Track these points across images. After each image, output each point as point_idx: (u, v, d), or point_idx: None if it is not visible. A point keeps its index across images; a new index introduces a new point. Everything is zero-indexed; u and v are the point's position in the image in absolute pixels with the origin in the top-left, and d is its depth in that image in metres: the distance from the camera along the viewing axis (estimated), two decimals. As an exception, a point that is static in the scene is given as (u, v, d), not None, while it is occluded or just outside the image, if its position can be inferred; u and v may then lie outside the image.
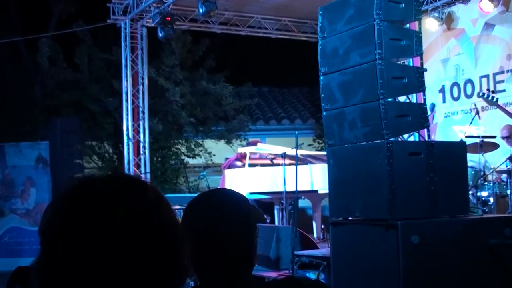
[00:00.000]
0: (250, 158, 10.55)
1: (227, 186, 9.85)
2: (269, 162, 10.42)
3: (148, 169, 12.22)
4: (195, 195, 2.00)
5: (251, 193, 9.67)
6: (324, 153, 8.52)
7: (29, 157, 11.27)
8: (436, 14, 11.04)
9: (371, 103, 5.86)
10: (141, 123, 12.31)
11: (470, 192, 7.66)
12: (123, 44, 12.15)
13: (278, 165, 9.93)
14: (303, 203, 10.80)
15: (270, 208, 10.65)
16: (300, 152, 9.54)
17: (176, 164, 15.55)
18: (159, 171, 15.37)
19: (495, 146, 8.43)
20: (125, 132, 12.11)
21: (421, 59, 6.22)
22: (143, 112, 12.32)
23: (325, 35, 6.37)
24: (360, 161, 5.92)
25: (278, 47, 16.78)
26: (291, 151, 9.05)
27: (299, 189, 8.22)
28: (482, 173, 8.27)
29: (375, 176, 5.71)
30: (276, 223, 10.27)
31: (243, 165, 10.52)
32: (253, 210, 2.06)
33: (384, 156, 5.61)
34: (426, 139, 6.25)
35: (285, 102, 20.65)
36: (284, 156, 9.10)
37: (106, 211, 1.07)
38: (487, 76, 10.44)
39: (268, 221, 10.66)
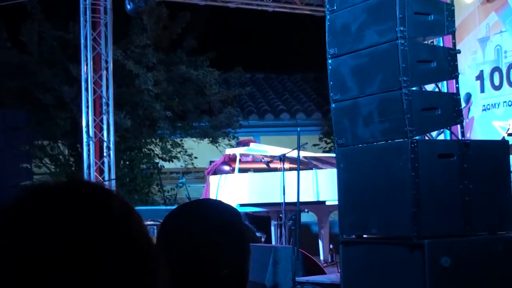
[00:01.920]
0: (240, 161, 10.60)
1: (212, 196, 9.89)
2: (264, 166, 10.42)
3: (113, 175, 12.28)
4: (173, 207, 2.04)
5: (241, 205, 9.71)
6: (333, 155, 8.66)
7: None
8: (473, -18, 11.09)
9: (392, 93, 5.92)
10: (104, 117, 12.34)
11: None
12: (82, 19, 12.18)
13: (275, 170, 9.95)
14: (307, 217, 10.86)
15: (266, 224, 10.69)
16: (303, 153, 9.58)
17: (149, 169, 15.62)
18: (127, 177, 15.42)
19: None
20: (84, 129, 12.14)
21: (454, 38, 6.25)
22: (107, 104, 12.35)
23: (335, 8, 6.41)
24: (378, 165, 5.97)
25: (276, 23, 16.81)
26: (291, 153, 9.08)
27: (301, 200, 8.21)
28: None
29: (396, 184, 5.77)
30: (273, 242, 10.29)
31: (232, 170, 10.57)
32: (244, 226, 2.07)
33: (407, 158, 5.65)
34: (460, 137, 6.29)
35: (284, 91, 20.78)
36: (283, 158, 9.14)
37: (60, 228, 1.06)
38: (536, 59, 10.51)
39: (263, 240, 10.72)
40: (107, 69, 12.42)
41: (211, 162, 12.87)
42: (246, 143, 11.15)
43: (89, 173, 12.01)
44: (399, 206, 5.72)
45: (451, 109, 6.01)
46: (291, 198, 8.64)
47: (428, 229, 5.62)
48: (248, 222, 10.76)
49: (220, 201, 2.05)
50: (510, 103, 10.65)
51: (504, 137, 8.39)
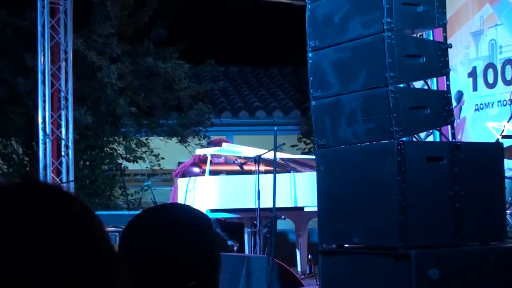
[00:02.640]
0: (212, 162, 10.55)
1: (180, 200, 9.82)
2: (237, 168, 10.38)
3: (72, 177, 12.20)
4: (137, 212, 2.03)
5: (212, 211, 9.68)
6: (313, 157, 8.66)
7: None
8: (466, -29, 11.14)
9: (377, 90, 5.93)
10: (63, 113, 12.29)
11: (508, 211, 7.65)
12: (39, 5, 12.09)
13: (249, 172, 9.93)
14: (284, 224, 10.82)
15: (239, 231, 10.70)
16: (280, 155, 9.60)
17: (111, 171, 15.44)
18: (87, 179, 15.35)
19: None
20: (40, 126, 12.08)
21: (445, 31, 6.25)
22: (66, 99, 12.30)
23: (316, -4, 6.39)
24: (361, 168, 5.98)
25: (252, 13, 16.81)
26: (267, 154, 9.06)
27: (278, 205, 8.21)
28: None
29: (381, 189, 5.78)
30: (247, 251, 10.28)
31: (203, 172, 10.49)
32: (215, 234, 2.10)
33: (393, 161, 5.66)
34: (450, 139, 6.31)
35: (260, 87, 20.79)
36: (258, 160, 9.10)
37: (13, 234, 1.06)
38: (533, 55, 10.57)
39: (235, 248, 10.69)
40: (66, 60, 12.33)
41: (179, 163, 12.80)
42: (218, 143, 11.09)
43: (45, 174, 11.90)
44: (384, 213, 5.72)
45: (441, 109, 6.01)
46: (266, 203, 8.62)
47: (415, 238, 5.62)
48: (219, 229, 10.75)
49: (188, 206, 2.08)
50: (504, 102, 10.70)
51: (498, 139, 8.50)
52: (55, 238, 1.08)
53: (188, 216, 1.95)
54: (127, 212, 12.52)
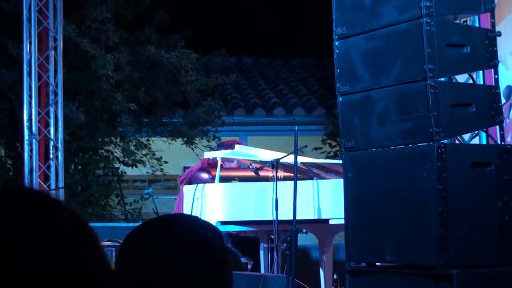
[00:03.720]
0: (222, 167, 10.38)
1: (186, 210, 9.75)
2: (252, 174, 10.17)
3: (61, 183, 12.17)
4: (136, 224, 2.04)
5: (222, 223, 9.55)
6: (339, 161, 8.69)
7: None
8: None
9: (414, 84, 5.94)
10: (51, 109, 12.30)
11: None
12: (25, -15, 12.10)
13: (266, 179, 9.76)
14: (305, 239, 10.76)
15: (253, 247, 10.62)
16: (302, 159, 9.51)
17: (107, 176, 15.32)
18: (79, 186, 15.34)
19: None
20: (26, 124, 12.08)
21: (493, 16, 6.25)
22: (55, 93, 12.30)
23: (344, -25, 6.41)
24: (395, 175, 6.00)
25: (270, -5, 16.81)
26: (287, 158, 9.01)
27: (299, 217, 8.19)
28: None
29: (418, 199, 5.78)
30: (262, 270, 10.14)
31: (212, 179, 10.33)
32: (226, 249, 2.09)
33: (432, 168, 5.67)
34: (499, 142, 6.26)
35: (278, 80, 20.60)
36: (276, 165, 9.04)
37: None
38: None
39: (249, 266, 10.62)
40: (55, 48, 12.31)
41: (185, 168, 12.72)
42: (229, 145, 10.93)
43: (31, 179, 11.87)
44: (421, 227, 5.74)
45: (488, 106, 6.01)
46: (285, 215, 8.57)
47: (458, 256, 5.64)
48: (230, 244, 10.68)
49: (196, 217, 2.07)
50: (562, 99, 10.66)
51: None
52: (43, 253, 1.08)
53: (195, 229, 1.95)
54: (125, 224, 12.47)
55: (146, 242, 1.91)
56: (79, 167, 15.68)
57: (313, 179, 9.77)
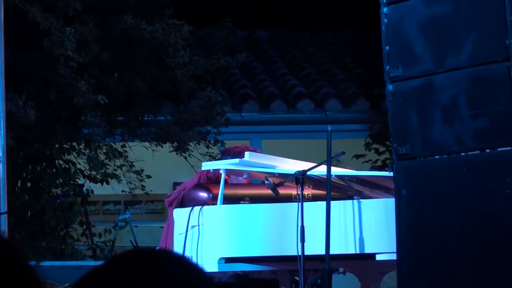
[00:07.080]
0: (228, 183, 9.82)
1: (178, 243, 9.22)
2: (268, 192, 9.48)
3: (3, 207, 11.13)
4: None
5: (228, 261, 9.06)
6: (390, 174, 8.21)
7: None
8: None
9: (492, 66, 5.93)
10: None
11: None
12: None
13: (288, 199, 9.24)
14: (342, 282, 10.17)
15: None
16: (337, 170, 8.91)
17: (66, 197, 14.16)
18: (29, 210, 14.45)
19: None
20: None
21: None
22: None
23: None
24: (468, 191, 6.05)
25: None
26: (316, 169, 8.49)
27: (333, 251, 7.93)
28: None
29: (501, 224, 5.85)
30: (285, 326, 9.91)
31: (213, 199, 9.65)
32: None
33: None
34: None
35: (304, 62, 19.44)
36: (301, 179, 8.38)
37: None
38: None
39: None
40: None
41: (175, 184, 12.68)
42: (237, 153, 10.22)
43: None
44: (508, 263, 5.78)
45: None
46: (314, 248, 8.21)
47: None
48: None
49: (185, 260, 2.10)
50: None
51: None
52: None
53: (182, 271, 2.00)
54: (92, 263, 11.67)
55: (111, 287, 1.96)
56: (29, 184, 14.61)
57: (353, 198, 9.19)
